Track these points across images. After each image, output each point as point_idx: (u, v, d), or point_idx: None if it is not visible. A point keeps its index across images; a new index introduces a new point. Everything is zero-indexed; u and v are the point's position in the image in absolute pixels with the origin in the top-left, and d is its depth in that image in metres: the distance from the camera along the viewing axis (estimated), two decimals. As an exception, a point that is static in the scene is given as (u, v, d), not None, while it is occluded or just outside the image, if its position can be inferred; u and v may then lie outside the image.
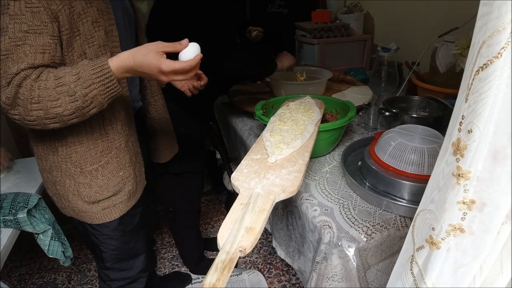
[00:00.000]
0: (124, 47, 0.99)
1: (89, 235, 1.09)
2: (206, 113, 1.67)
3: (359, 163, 1.08)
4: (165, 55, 0.80)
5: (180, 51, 0.82)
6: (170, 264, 2.00)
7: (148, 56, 0.79)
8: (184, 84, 1.21)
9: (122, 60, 0.80)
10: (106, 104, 0.83)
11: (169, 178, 1.58)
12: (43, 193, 1.23)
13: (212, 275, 0.55)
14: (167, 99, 1.28)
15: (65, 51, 0.83)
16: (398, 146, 0.92)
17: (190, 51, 0.82)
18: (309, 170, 1.12)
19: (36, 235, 1.21)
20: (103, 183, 0.98)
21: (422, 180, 0.87)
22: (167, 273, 1.94)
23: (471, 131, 0.43)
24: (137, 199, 1.09)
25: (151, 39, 1.17)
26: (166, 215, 1.84)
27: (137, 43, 1.12)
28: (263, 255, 2.02)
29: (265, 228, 0.83)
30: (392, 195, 0.92)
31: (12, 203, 1.17)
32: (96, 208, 1.00)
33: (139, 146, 1.10)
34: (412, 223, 0.58)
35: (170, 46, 0.81)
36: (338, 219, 0.90)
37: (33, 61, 0.77)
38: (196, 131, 1.56)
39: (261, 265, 1.96)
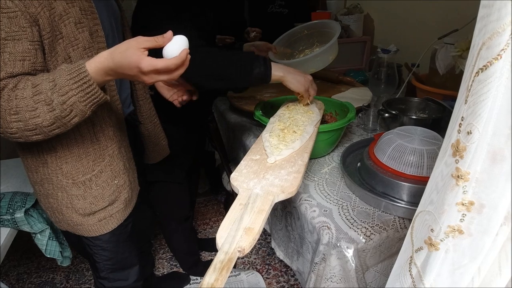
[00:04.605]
0: (112, 38, 0.96)
1: (83, 245, 1.06)
2: (198, 120, 1.63)
3: (358, 164, 1.08)
4: (146, 52, 0.70)
5: (164, 46, 0.71)
6: (169, 264, 2.00)
7: (126, 53, 0.69)
8: (173, 95, 1.15)
9: (101, 61, 0.72)
10: (89, 112, 0.75)
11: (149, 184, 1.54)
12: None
13: (210, 275, 0.55)
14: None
15: (48, 56, 0.78)
16: (397, 148, 0.92)
17: (176, 46, 0.71)
18: (308, 171, 1.12)
19: (34, 235, 1.20)
20: (98, 193, 0.94)
21: (421, 182, 0.87)
22: (165, 273, 1.94)
23: (471, 133, 0.43)
24: (133, 206, 1.07)
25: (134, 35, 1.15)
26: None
27: None
28: (261, 256, 2.02)
29: (264, 228, 0.83)
30: (391, 197, 0.92)
31: (10, 203, 1.17)
32: (92, 220, 0.97)
33: (131, 151, 1.06)
34: (411, 224, 0.58)
35: (151, 40, 0.70)
36: (337, 220, 0.90)
37: (12, 70, 0.71)
38: (175, 142, 1.43)
39: (260, 265, 1.96)
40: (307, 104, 1.18)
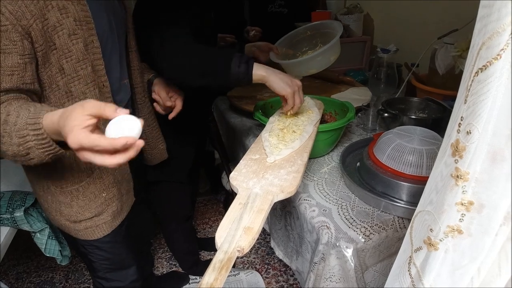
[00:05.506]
0: (111, 54, 0.94)
1: (77, 245, 1.06)
2: (199, 120, 1.63)
3: (358, 164, 1.08)
4: (91, 120, 0.58)
5: (110, 118, 0.58)
6: (168, 263, 2.00)
7: (69, 118, 0.58)
8: (154, 99, 1.13)
9: (53, 119, 0.63)
10: (48, 159, 0.69)
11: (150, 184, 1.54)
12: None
13: (209, 275, 0.55)
14: None
15: (42, 68, 0.77)
16: (396, 147, 0.92)
17: (119, 129, 0.57)
18: (307, 170, 1.12)
19: (33, 234, 1.20)
20: (84, 203, 0.94)
21: (420, 182, 0.87)
22: (164, 272, 1.94)
23: (470, 133, 0.43)
24: (124, 217, 1.05)
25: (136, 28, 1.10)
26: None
27: (127, 48, 1.06)
28: (261, 255, 2.02)
29: (263, 228, 0.84)
30: (391, 196, 0.92)
31: (10, 202, 1.17)
32: (79, 226, 0.97)
33: (127, 162, 1.05)
34: (410, 224, 0.58)
35: (98, 107, 0.58)
36: (336, 219, 0.90)
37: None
38: (176, 142, 1.43)
39: (259, 265, 1.96)
40: (291, 114, 1.08)
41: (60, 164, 0.88)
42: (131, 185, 1.07)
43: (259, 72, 1.01)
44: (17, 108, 0.69)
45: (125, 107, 1.06)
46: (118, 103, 1.02)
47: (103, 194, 0.96)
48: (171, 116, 1.13)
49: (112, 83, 0.95)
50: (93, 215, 0.96)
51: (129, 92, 1.09)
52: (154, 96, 1.13)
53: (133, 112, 1.13)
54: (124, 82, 1.05)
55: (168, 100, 1.12)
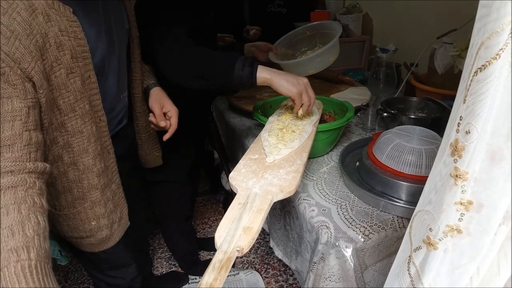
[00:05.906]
0: (109, 69, 0.93)
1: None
2: (198, 120, 1.63)
3: (357, 163, 1.08)
4: None
5: None
6: (167, 263, 2.00)
7: None
8: (150, 121, 1.11)
9: None
10: None
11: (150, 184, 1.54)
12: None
13: (209, 275, 0.55)
14: None
15: (44, 109, 0.72)
16: (396, 147, 0.92)
17: None
18: (307, 170, 1.12)
19: (33, 234, 1.20)
20: (74, 226, 0.93)
21: (419, 181, 0.88)
22: (164, 272, 1.94)
23: (469, 132, 0.43)
24: (113, 244, 1.03)
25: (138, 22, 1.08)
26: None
27: (129, 57, 1.04)
28: (260, 255, 2.02)
29: (262, 228, 0.84)
30: (390, 196, 0.92)
31: (9, 202, 1.17)
32: (69, 239, 0.97)
33: (122, 191, 1.03)
34: (410, 223, 0.58)
35: None
36: (335, 219, 0.90)
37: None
38: (176, 142, 1.39)
39: (259, 265, 1.96)
40: (300, 115, 1.06)
41: (54, 190, 0.87)
42: (124, 212, 1.05)
43: (263, 75, 1.01)
44: (16, 223, 0.59)
45: (121, 119, 1.06)
46: (113, 118, 1.02)
47: (93, 223, 0.95)
48: (165, 137, 1.09)
49: (108, 101, 0.94)
50: (81, 237, 0.96)
51: (126, 104, 1.07)
52: (151, 118, 1.09)
53: (131, 120, 1.14)
54: (121, 96, 1.04)
55: (163, 119, 1.08)
